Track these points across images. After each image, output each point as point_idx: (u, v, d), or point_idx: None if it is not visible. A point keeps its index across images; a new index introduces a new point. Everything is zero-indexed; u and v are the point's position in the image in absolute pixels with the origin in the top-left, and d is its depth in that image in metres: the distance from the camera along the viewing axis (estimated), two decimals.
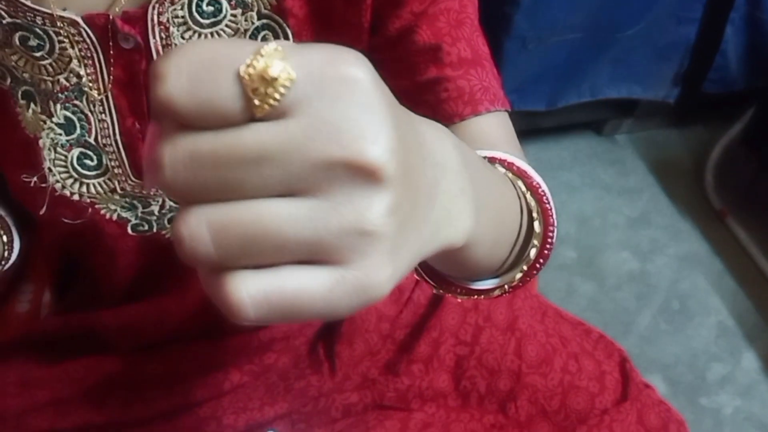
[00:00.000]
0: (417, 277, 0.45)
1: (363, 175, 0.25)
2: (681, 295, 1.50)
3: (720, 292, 1.52)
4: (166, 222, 0.58)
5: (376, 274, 0.25)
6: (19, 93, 0.53)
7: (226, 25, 0.51)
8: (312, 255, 0.25)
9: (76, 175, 0.55)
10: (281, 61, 0.24)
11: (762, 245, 1.59)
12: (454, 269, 0.43)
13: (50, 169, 0.55)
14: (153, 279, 0.62)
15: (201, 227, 0.24)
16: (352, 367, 0.70)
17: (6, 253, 0.60)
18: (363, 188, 0.25)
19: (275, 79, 0.24)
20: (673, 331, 1.44)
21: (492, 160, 0.46)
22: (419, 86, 0.54)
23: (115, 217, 0.57)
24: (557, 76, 1.55)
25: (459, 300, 0.46)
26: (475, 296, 0.45)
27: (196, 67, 0.24)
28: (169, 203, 0.57)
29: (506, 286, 0.45)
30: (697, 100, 1.71)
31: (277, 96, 0.24)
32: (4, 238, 0.59)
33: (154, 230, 0.59)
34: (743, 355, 1.42)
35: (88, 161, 0.55)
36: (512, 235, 0.43)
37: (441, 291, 0.45)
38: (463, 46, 0.53)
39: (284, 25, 0.52)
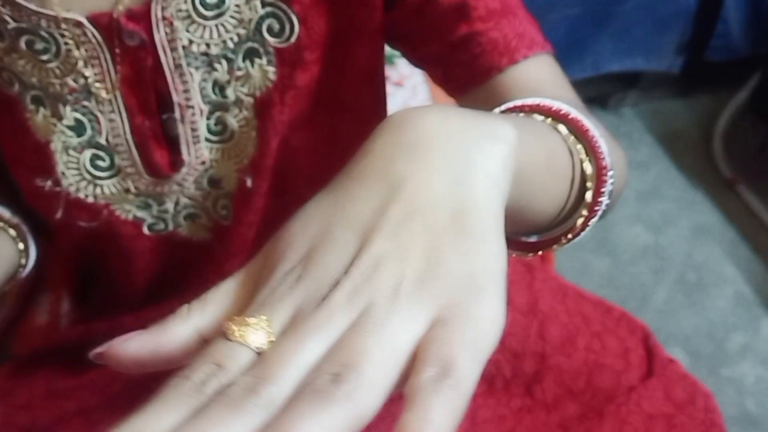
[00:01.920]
0: None
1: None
2: (696, 267, 1.50)
3: (735, 261, 1.51)
4: (181, 219, 0.58)
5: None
6: (28, 98, 0.52)
7: (231, 17, 0.50)
8: None
9: (89, 177, 0.55)
10: None
11: None
12: (515, 227, 0.42)
13: (63, 173, 0.54)
14: (172, 279, 0.62)
15: None
16: None
17: (23, 261, 0.59)
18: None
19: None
20: (691, 303, 1.44)
21: (531, 109, 0.44)
22: (452, 47, 0.53)
23: (130, 217, 0.57)
24: (558, 53, 1.52)
25: (528, 258, 0.46)
26: (540, 251, 0.45)
27: None
28: (183, 200, 0.57)
29: (569, 234, 0.44)
30: (701, 69, 1.69)
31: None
32: (20, 245, 0.59)
33: (170, 228, 0.58)
34: (762, 323, 1.42)
35: (100, 162, 0.55)
36: (566, 182, 0.42)
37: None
38: None
39: (289, 12, 0.51)
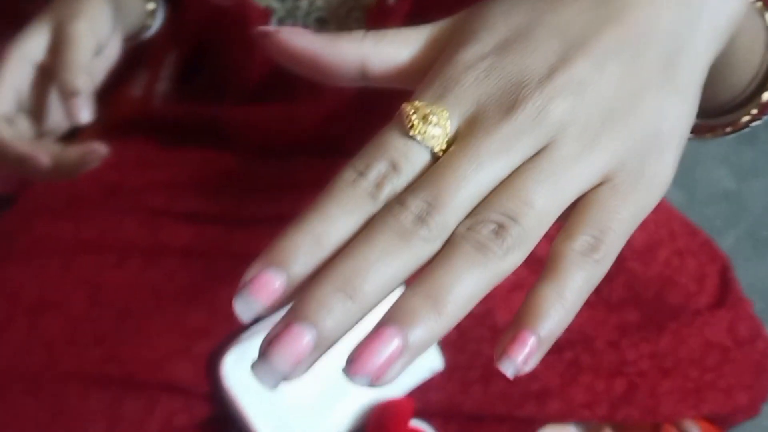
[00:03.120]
0: None
1: None
2: None
3: None
4: (311, 21, 0.56)
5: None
6: None
7: None
8: None
9: None
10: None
11: None
12: None
13: None
14: (283, 82, 0.61)
15: None
16: None
17: (149, 22, 0.59)
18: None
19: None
20: (756, 258, 1.40)
21: None
22: None
23: (263, 4, 0.56)
24: None
25: None
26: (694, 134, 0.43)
27: None
28: (319, 1, 0.55)
29: (729, 128, 0.42)
30: None
31: None
32: (150, 5, 0.58)
33: (299, 26, 0.57)
34: None
35: None
36: (751, 72, 0.40)
37: None
38: None
39: None
